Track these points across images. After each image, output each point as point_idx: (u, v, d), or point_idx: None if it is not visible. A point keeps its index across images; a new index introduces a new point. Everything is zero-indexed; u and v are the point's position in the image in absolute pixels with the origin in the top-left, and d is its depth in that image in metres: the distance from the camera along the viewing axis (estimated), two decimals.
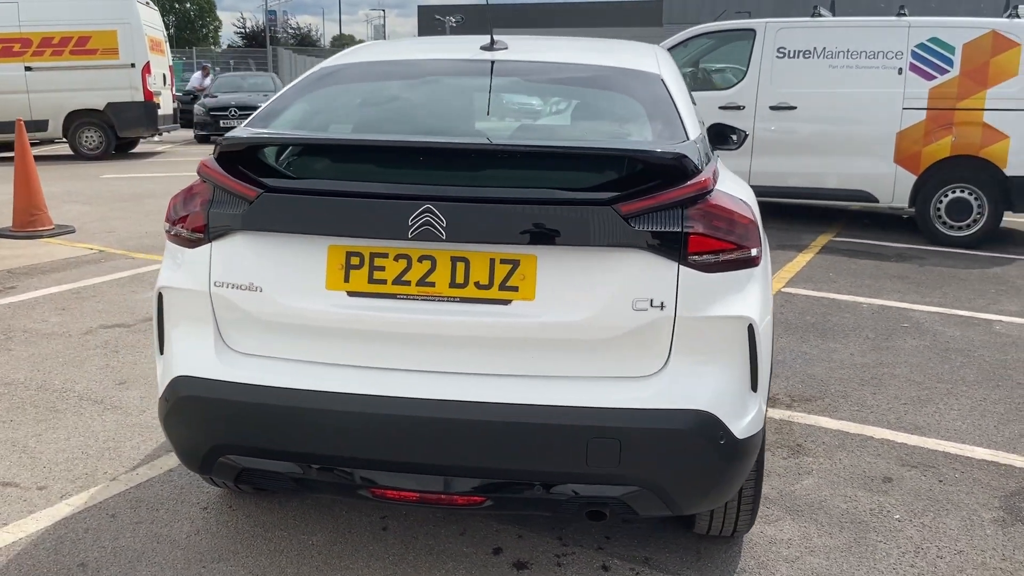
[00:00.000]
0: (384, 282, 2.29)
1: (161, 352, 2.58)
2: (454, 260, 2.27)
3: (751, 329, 2.31)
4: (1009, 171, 7.81)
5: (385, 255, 2.29)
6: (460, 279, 2.27)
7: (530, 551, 2.84)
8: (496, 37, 3.09)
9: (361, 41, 12.07)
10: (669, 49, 8.61)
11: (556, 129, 2.71)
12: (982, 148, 7.89)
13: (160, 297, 2.53)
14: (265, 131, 2.57)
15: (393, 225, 2.24)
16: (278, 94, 2.85)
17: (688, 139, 2.48)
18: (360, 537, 2.91)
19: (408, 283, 2.28)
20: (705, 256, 2.26)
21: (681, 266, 2.25)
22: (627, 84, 2.81)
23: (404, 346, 2.30)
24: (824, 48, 8.35)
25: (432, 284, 2.27)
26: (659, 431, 2.22)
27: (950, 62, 7.94)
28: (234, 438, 2.38)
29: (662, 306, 2.24)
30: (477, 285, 2.26)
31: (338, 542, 2.88)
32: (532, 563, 2.78)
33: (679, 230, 2.23)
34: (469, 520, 3.00)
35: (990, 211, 8.02)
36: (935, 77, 8.01)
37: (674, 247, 2.23)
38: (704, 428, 2.24)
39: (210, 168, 2.43)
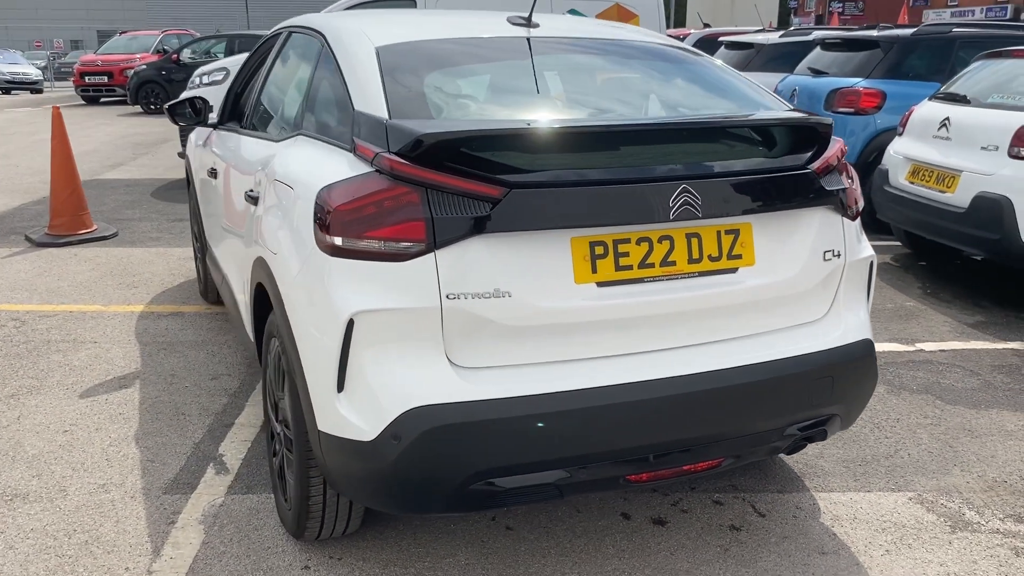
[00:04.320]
0: (630, 267, 2.28)
1: (340, 389, 2.22)
2: (688, 237, 2.33)
3: (872, 264, 2.74)
4: None
5: (627, 240, 2.27)
6: (695, 254, 2.34)
7: (651, 508, 2.99)
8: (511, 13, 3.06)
9: None
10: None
11: (697, 103, 2.78)
12: None
13: (350, 325, 2.17)
14: (471, 123, 2.30)
15: (651, 208, 2.23)
16: (358, 81, 2.52)
17: (788, 106, 2.80)
18: (497, 542, 2.79)
19: (652, 265, 2.30)
20: (853, 206, 2.62)
21: (843, 217, 2.59)
22: (689, 58, 3.00)
23: (651, 328, 2.32)
24: None
25: (673, 263, 2.32)
26: (854, 362, 2.56)
27: None
28: (497, 460, 2.18)
29: (838, 255, 2.57)
30: (710, 258, 2.36)
31: (482, 553, 2.73)
32: (665, 518, 2.94)
33: (843, 186, 2.57)
34: (580, 501, 3.03)
35: None
36: None
37: (841, 200, 2.56)
38: (871, 351, 2.63)
39: (419, 169, 2.13)
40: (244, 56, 9.29)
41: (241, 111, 4.24)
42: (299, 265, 2.35)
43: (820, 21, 42.88)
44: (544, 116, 2.51)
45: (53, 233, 6.79)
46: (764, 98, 2.78)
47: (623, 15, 9.07)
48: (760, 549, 2.78)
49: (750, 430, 2.42)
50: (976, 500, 3.11)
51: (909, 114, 6.20)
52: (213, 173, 3.86)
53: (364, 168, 2.27)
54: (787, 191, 2.43)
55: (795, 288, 2.49)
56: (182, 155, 9.23)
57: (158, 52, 22.28)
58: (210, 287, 5.06)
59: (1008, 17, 37.16)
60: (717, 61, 3.06)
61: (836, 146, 2.60)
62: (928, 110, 5.98)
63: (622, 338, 2.29)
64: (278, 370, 2.70)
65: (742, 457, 2.54)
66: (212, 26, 40.05)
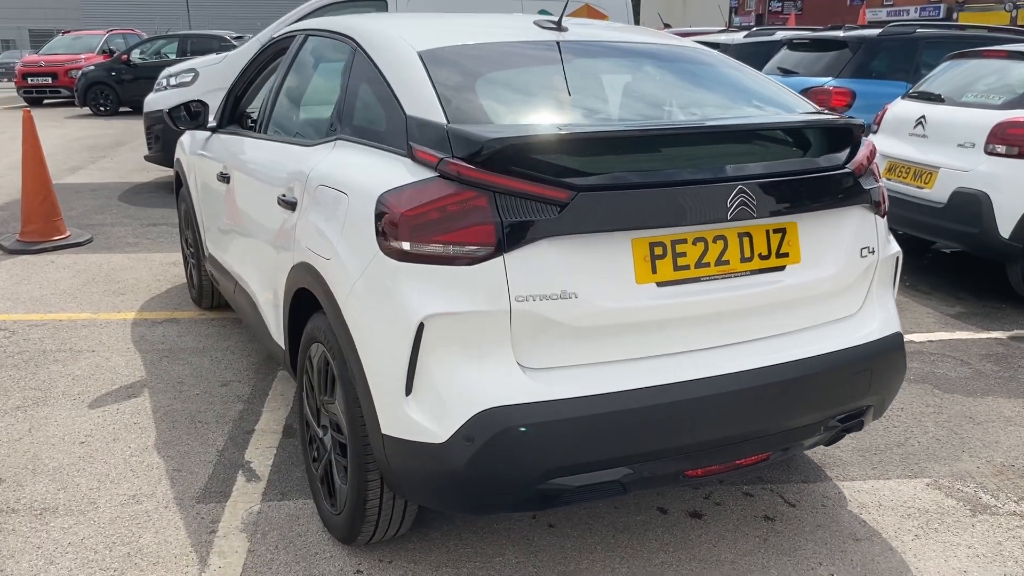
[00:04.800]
0: (687, 267, 2.33)
1: (409, 392, 2.24)
2: (740, 236, 2.40)
3: (898, 259, 2.84)
4: None
5: (684, 240, 2.33)
6: (747, 253, 2.41)
7: (685, 503, 3.05)
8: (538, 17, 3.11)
9: None
10: (304, 17, 8.46)
11: (736, 105, 2.83)
12: None
13: (420, 329, 2.18)
14: (534, 127, 2.33)
15: (710, 208, 2.29)
16: (407, 86, 2.53)
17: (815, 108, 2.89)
18: (543, 540, 2.83)
19: (708, 264, 2.36)
20: (883, 204, 2.72)
21: (875, 215, 2.69)
22: (718, 60, 3.07)
23: (707, 325, 2.38)
24: None
25: (727, 262, 2.38)
26: (889, 354, 2.65)
27: None
28: (567, 459, 2.22)
29: (872, 251, 2.67)
30: (760, 256, 2.43)
31: (530, 551, 2.76)
32: (700, 511, 3.01)
33: (875, 185, 2.66)
34: (616, 498, 3.08)
35: None
36: None
37: (874, 199, 2.65)
38: (902, 344, 2.73)
39: (487, 173, 2.16)
40: (214, 57, 9.22)
41: (244, 114, 4.21)
42: (359, 270, 2.35)
43: (760, 21, 43.61)
44: (597, 119, 2.55)
45: (26, 240, 6.62)
46: (796, 99, 2.86)
47: (593, 15, 9.15)
48: (797, 537, 2.86)
49: (800, 423, 2.50)
50: (989, 484, 3.24)
51: (883, 112, 6.39)
52: (223, 178, 3.82)
53: (426, 173, 2.28)
54: (830, 190, 2.51)
55: (836, 284, 2.57)
56: (148, 159, 9.08)
57: (104, 52, 21.78)
58: (205, 294, 5.00)
59: (941, 16, 38.32)
60: (734, 61, 3.14)
61: (868, 146, 2.70)
62: (903, 108, 6.17)
63: (681, 336, 2.35)
64: (324, 375, 2.70)
65: (789, 450, 2.61)
66: (151, 25, 39.22)
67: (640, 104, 2.69)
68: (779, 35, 9.56)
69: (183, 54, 17.64)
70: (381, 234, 2.28)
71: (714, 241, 2.36)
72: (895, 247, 2.81)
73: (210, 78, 8.55)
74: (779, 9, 47.75)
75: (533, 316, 2.18)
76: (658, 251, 2.30)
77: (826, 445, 2.80)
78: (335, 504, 2.73)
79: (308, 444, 2.96)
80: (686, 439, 2.31)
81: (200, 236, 4.68)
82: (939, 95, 5.96)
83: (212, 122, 4.35)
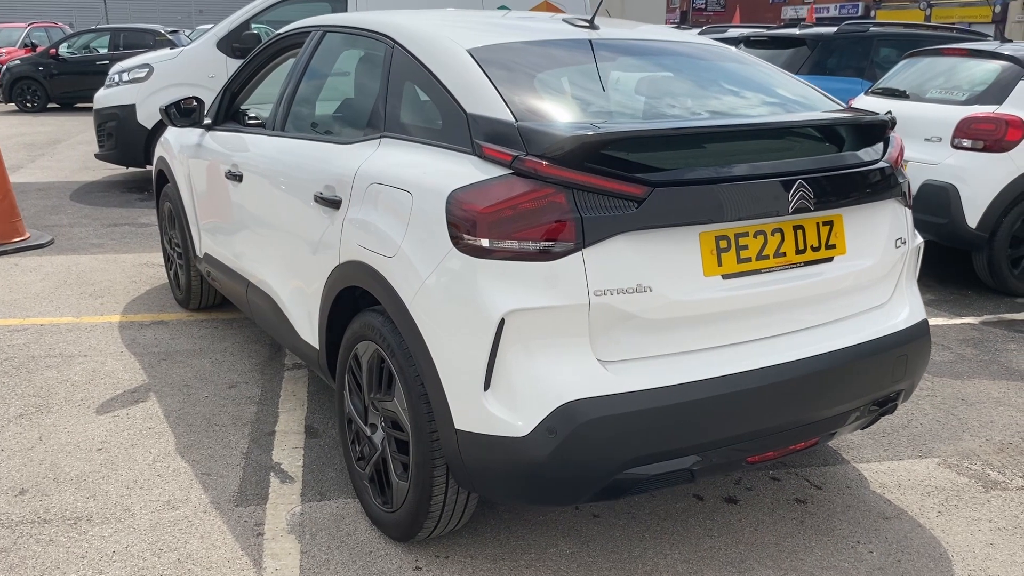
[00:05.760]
0: (749, 260, 2.41)
1: (487, 387, 2.26)
2: (795, 229, 2.49)
3: (920, 249, 2.98)
4: None
5: (746, 234, 2.40)
6: (801, 245, 2.50)
7: (719, 489, 3.15)
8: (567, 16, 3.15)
9: None
10: (258, 15, 8.35)
11: (778, 102, 2.89)
12: None
13: (501, 324, 2.21)
14: (612, 125, 2.37)
15: (773, 202, 2.37)
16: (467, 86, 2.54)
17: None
18: (591, 530, 2.88)
19: (767, 256, 2.44)
20: (910, 197, 2.85)
21: (906, 207, 2.81)
22: (747, 58, 3.16)
23: (767, 316, 2.46)
24: None
25: (784, 254, 2.47)
26: (920, 340, 2.78)
27: None
28: (645, 449, 2.27)
29: (904, 242, 2.79)
30: (812, 248, 2.53)
31: (581, 542, 2.81)
32: (734, 496, 3.10)
33: (905, 178, 2.79)
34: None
35: None
36: None
37: (904, 191, 2.78)
38: (928, 329, 2.86)
39: (564, 170, 2.20)
40: (168, 52, 8.99)
41: (242, 112, 4.14)
42: (429, 267, 2.36)
43: (684, 19, 44.37)
44: (654, 117, 2.61)
45: None
46: (823, 96, 2.97)
47: (551, 11, 9.23)
48: (831, 518, 2.98)
49: (849, 407, 2.60)
50: (994, 462, 3.41)
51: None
52: (233, 176, 3.75)
53: (498, 170, 2.30)
54: (872, 184, 2.62)
55: (874, 274, 2.69)
56: (100, 157, 8.80)
57: (26, 46, 20.96)
58: (193, 295, 4.90)
59: (859, 14, 39.63)
60: (757, 58, 3.24)
61: (898, 141, 2.82)
62: (868, 105, 6.40)
63: (743, 326, 2.42)
64: (377, 373, 2.69)
65: (836, 434, 2.72)
66: (68, 18, 37.81)
67: (689, 101, 2.75)
68: (731, 32, 9.79)
69: (115, 48, 17.11)
70: (455, 232, 2.29)
71: (772, 234, 2.44)
72: (919, 238, 2.94)
73: (166, 73, 8.35)
74: (703, 6, 48.67)
75: (610, 310, 2.23)
76: (723, 244, 2.37)
77: (863, 428, 2.92)
78: (388, 502, 2.73)
79: (350, 444, 2.95)
80: (752, 426, 2.39)
81: (190, 236, 4.59)
82: (903, 91, 6.20)
83: (206, 119, 4.27)
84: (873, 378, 2.63)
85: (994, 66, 5.79)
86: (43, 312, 5.02)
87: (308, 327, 3.19)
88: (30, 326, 4.77)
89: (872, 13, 38.52)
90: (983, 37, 8.07)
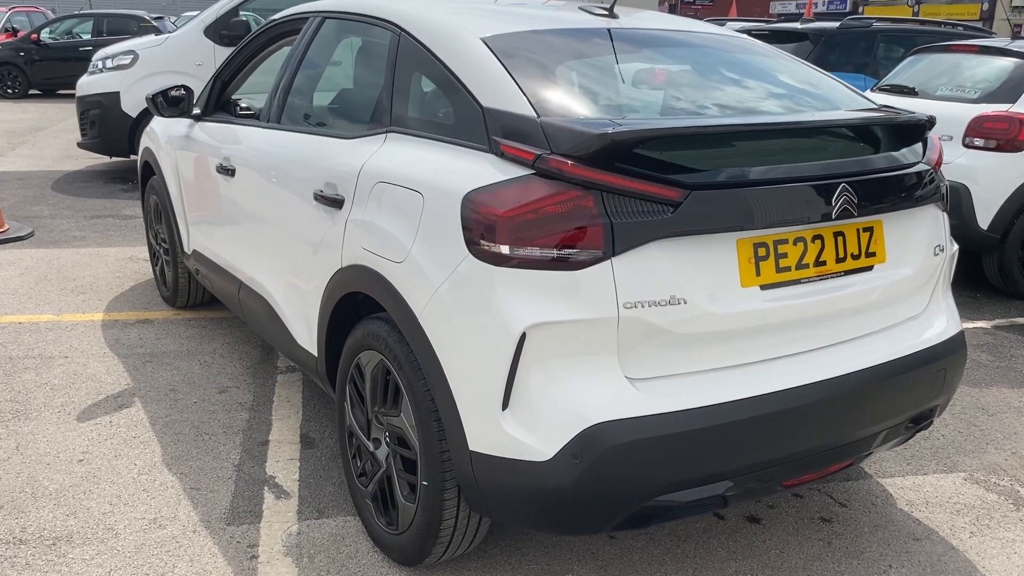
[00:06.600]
0: (788, 269, 2.24)
1: (506, 406, 2.08)
2: (835, 235, 2.32)
3: (955, 256, 2.82)
4: None
5: (785, 241, 2.23)
6: (841, 253, 2.33)
7: (740, 508, 2.98)
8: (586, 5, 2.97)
9: None
10: (245, 1, 8.10)
11: (813, 99, 2.71)
12: None
13: (522, 339, 2.03)
14: (645, 121, 2.18)
15: (817, 207, 2.20)
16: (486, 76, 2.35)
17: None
18: (607, 553, 2.71)
19: (807, 265, 2.27)
20: (947, 200, 2.69)
21: (943, 212, 2.65)
22: (773, 51, 2.98)
23: (805, 329, 2.29)
24: None
25: (824, 263, 2.30)
26: (958, 353, 2.62)
27: None
28: (678, 475, 2.10)
29: (943, 249, 2.63)
30: (852, 256, 2.36)
31: (598, 566, 2.64)
32: (756, 515, 2.94)
33: (944, 182, 2.63)
34: None
35: None
36: None
37: (942, 196, 2.62)
38: (965, 341, 2.71)
39: (593, 171, 2.01)
40: (153, 38, 8.72)
41: (233, 102, 3.93)
42: (442, 275, 2.17)
43: (673, 12, 44.26)
44: (686, 112, 2.43)
45: None
46: (855, 92, 2.80)
47: None
48: (859, 539, 2.82)
49: (886, 425, 2.44)
50: (1022, 477, 3.27)
51: None
52: (225, 170, 3.54)
53: (518, 170, 2.12)
54: (914, 187, 2.46)
55: (913, 283, 2.52)
56: (82, 146, 8.53)
57: (7, 31, 20.51)
58: (181, 292, 4.69)
59: (847, 10, 39.59)
60: (783, 52, 3.06)
61: (936, 142, 2.65)
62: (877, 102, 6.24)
63: (781, 341, 2.25)
64: (382, 385, 2.51)
65: (871, 454, 2.55)
66: (50, 3, 37.16)
67: (719, 97, 2.56)
68: (729, 26, 9.61)
69: (99, 34, 16.75)
70: (471, 236, 2.11)
71: (812, 241, 2.27)
72: (955, 244, 2.78)
73: (151, 60, 8.09)
74: (691, 0, 48.55)
75: (641, 324, 2.05)
76: (761, 252, 2.19)
77: (898, 445, 2.76)
78: (393, 523, 2.55)
79: (351, 459, 2.76)
80: (791, 448, 2.22)
81: (178, 231, 4.37)
82: (912, 88, 6.05)
83: (196, 109, 4.06)
84: (913, 394, 2.47)
85: (1006, 63, 5.65)
86: (22, 309, 4.79)
87: (306, 333, 2.99)
88: (8, 324, 4.55)
89: (860, 9, 38.49)
90: (989, 34, 7.94)
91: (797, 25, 8.15)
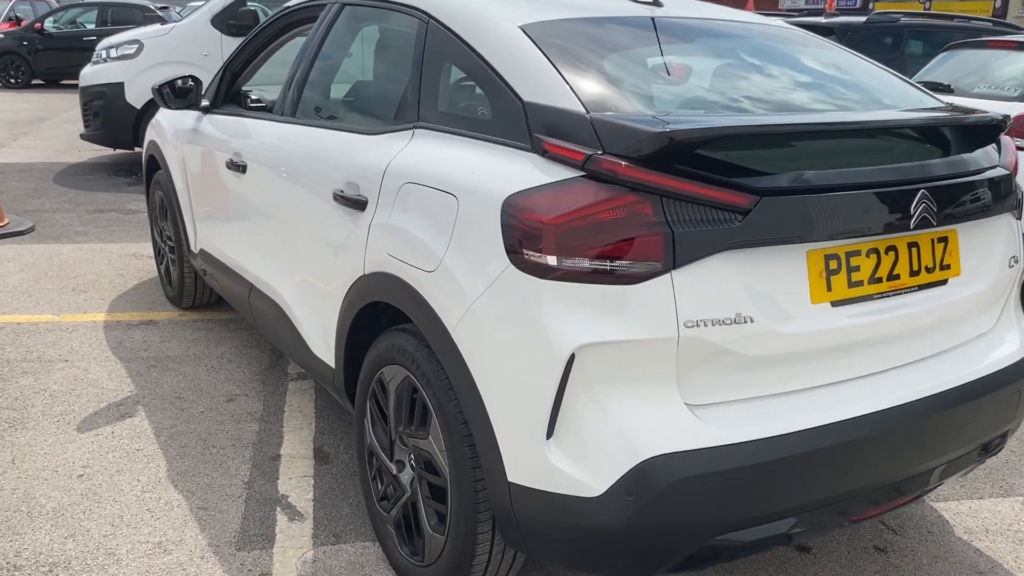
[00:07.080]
0: (861, 283, 2.03)
1: (550, 435, 1.87)
2: (909, 246, 2.11)
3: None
4: None
5: (858, 252, 2.02)
6: (915, 266, 2.12)
7: None
8: None
9: None
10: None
11: (879, 96, 2.49)
12: None
13: (570, 361, 1.82)
14: (709, 120, 1.98)
15: (896, 216, 1.99)
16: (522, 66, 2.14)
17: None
18: None
19: (880, 280, 2.06)
20: (1021, 209, 2.47)
21: (1017, 221, 2.44)
22: (827, 45, 2.76)
23: (877, 350, 2.08)
24: None
25: (897, 276, 2.09)
26: None
27: None
28: (742, 512, 1.89)
29: (1017, 260, 2.41)
30: (927, 269, 2.15)
31: None
32: (807, 544, 2.73)
33: (1020, 188, 2.41)
34: None
35: None
36: None
37: (1018, 203, 2.40)
38: None
39: (653, 174, 1.80)
40: (159, 28, 8.51)
41: (243, 94, 3.73)
42: (479, 287, 1.96)
43: None
44: (749, 109, 2.21)
45: None
46: (917, 89, 2.59)
47: None
48: (918, 572, 2.61)
49: (959, 453, 2.23)
50: None
51: None
52: (236, 167, 3.33)
53: (565, 172, 1.91)
54: (991, 194, 2.25)
55: (986, 298, 2.31)
56: (85, 137, 8.33)
57: (10, 20, 20.29)
58: (187, 292, 4.48)
59: (857, 5, 39.25)
60: (836, 44, 2.85)
61: (1011, 145, 2.44)
62: None
63: (851, 363, 2.04)
64: (408, 404, 2.30)
65: (945, 483, 2.35)
66: None
67: (780, 94, 2.35)
68: None
69: (103, 24, 16.52)
70: (513, 245, 1.90)
71: (885, 253, 2.06)
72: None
73: (157, 50, 7.88)
74: None
75: (703, 344, 1.84)
76: (833, 265, 1.98)
77: (965, 475, 2.55)
78: (418, 553, 2.35)
79: (371, 480, 2.56)
80: (863, 480, 2.01)
81: (184, 229, 4.17)
82: (948, 85, 5.82)
83: (204, 101, 3.85)
84: (988, 419, 2.25)
85: None
86: (20, 308, 4.59)
87: (322, 342, 2.78)
88: (6, 325, 4.35)
89: (870, 4, 38.15)
90: (1020, 30, 7.71)
91: (821, 19, 7.91)
